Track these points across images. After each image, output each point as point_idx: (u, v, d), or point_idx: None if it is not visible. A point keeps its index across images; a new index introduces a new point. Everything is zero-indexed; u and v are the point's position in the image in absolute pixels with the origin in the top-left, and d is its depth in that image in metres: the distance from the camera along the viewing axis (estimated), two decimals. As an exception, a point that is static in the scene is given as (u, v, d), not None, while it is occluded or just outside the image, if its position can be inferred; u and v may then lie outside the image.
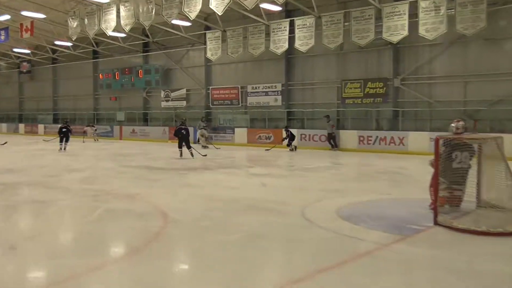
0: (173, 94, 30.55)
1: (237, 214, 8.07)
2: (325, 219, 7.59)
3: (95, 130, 30.99)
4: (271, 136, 24.14)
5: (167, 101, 30.89)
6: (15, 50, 38.25)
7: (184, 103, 29.97)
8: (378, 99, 21.97)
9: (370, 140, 21.03)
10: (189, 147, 18.15)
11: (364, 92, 22.30)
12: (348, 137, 21.83)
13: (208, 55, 25.33)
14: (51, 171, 13.81)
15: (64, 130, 21.85)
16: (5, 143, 24.98)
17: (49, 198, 9.54)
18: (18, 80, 43.44)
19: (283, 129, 22.55)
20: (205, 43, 26.07)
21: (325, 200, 9.35)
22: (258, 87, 26.07)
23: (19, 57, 40.97)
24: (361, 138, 21.32)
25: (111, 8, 23.18)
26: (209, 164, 16.34)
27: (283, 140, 22.01)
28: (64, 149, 21.42)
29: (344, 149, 21.50)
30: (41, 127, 37.73)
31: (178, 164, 16.14)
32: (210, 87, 28.41)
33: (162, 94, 31.07)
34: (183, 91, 30.00)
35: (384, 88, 21.75)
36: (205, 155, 18.61)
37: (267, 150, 22.07)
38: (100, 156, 19.49)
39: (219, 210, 8.35)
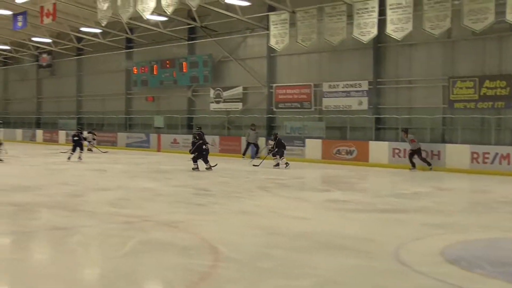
0: (225, 94, 30.95)
1: (307, 253, 8.01)
2: (427, 262, 7.42)
3: (94, 139, 31.78)
4: (353, 150, 23.94)
5: (217, 102, 31.32)
6: (34, 39, 39.99)
7: (239, 105, 30.29)
8: (499, 103, 21.34)
9: (487, 158, 20.43)
10: (206, 162, 20.11)
11: (480, 94, 21.73)
12: (457, 153, 21.28)
13: (272, 43, 25.52)
14: (75, 190, 14.28)
15: (75, 138, 24.32)
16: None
17: (72, 224, 9.85)
18: (36, 76, 45.52)
19: (273, 136, 22.93)
20: (268, 28, 26.28)
21: (426, 237, 9.15)
22: (337, 86, 25.96)
23: (38, 48, 42.85)
24: (475, 155, 20.75)
25: (151, -15, 23.86)
26: (270, 185, 16.39)
27: (270, 150, 22.80)
28: (79, 158, 23.69)
29: (451, 169, 20.96)
30: (62, 134, 39.12)
31: (229, 185, 16.31)
32: (274, 85, 28.60)
33: (212, 93, 31.54)
34: (239, 90, 30.36)
35: (508, 89, 21.12)
36: (215, 165, 20.41)
37: (256, 165, 22.71)
38: (133, 172, 19.96)
39: (283, 247, 8.33)
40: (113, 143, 34.98)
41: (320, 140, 25.54)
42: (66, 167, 21.14)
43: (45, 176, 18.19)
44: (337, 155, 24.51)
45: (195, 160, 20.27)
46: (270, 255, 7.79)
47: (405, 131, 21.72)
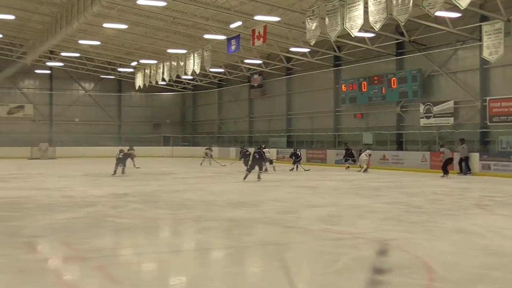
0: (435, 109, 30.16)
1: (532, 276, 7.54)
2: None
3: (210, 155, 36.52)
4: None
5: (427, 117, 30.61)
6: (246, 61, 42.15)
7: (450, 120, 29.36)
8: None
9: None
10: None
11: None
12: None
13: (485, 54, 24.38)
14: (287, 207, 14.71)
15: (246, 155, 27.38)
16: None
17: (285, 240, 10.16)
18: (248, 96, 47.75)
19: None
20: (480, 39, 25.26)
21: None
22: (559, 96, 24.16)
23: (249, 69, 45.02)
24: None
25: (358, 3, 23.93)
26: (487, 203, 15.69)
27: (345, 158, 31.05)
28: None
29: None
30: (273, 151, 40.34)
31: (443, 202, 15.84)
32: (488, 98, 27.30)
33: (421, 108, 30.91)
34: (450, 104, 29.44)
35: None
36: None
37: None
38: (344, 189, 20.16)
39: (504, 269, 7.89)
40: (323, 160, 35.57)
41: (539, 156, 23.89)
42: (279, 184, 21.91)
43: (259, 192, 18.93)
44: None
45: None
46: (490, 277, 7.43)
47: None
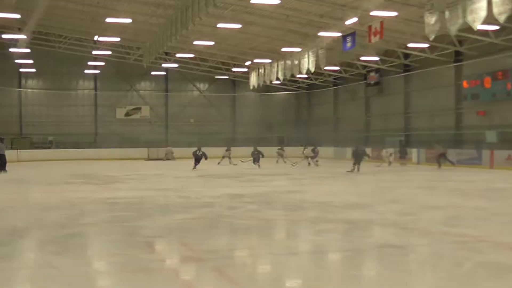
0: None
1: None
2: None
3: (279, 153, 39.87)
4: None
5: (558, 114, 29.15)
6: (362, 58, 41.77)
7: None
8: None
9: None
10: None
11: None
12: None
13: None
14: (405, 208, 14.47)
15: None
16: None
17: (405, 243, 9.98)
18: (364, 94, 47.29)
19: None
20: None
21: None
22: None
23: (365, 67, 44.60)
24: None
25: (481, -6, 23.18)
26: None
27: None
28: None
29: None
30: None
31: None
32: None
33: (552, 105, 29.47)
34: None
35: None
36: None
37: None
38: (464, 190, 19.58)
39: None
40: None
41: None
42: (394, 185, 21.57)
43: (374, 193, 18.76)
44: None
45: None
46: None
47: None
